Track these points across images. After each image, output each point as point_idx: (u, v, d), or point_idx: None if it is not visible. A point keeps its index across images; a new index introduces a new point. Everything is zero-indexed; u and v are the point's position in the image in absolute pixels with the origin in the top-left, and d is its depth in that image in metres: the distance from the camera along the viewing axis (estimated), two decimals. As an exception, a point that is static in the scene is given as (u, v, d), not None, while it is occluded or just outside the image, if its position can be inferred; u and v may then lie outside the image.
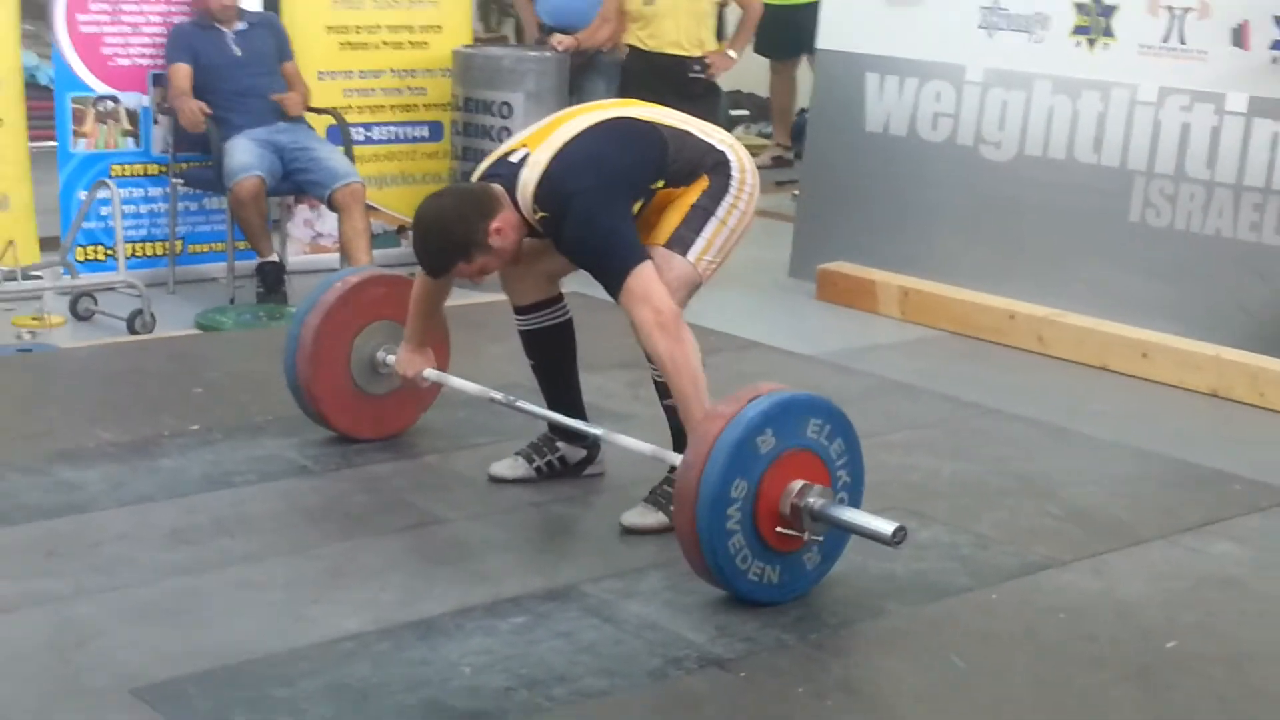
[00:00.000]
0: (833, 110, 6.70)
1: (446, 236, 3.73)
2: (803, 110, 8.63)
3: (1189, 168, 5.58)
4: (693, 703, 3.05)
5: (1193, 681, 3.22)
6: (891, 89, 6.45)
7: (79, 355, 5.38)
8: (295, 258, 6.62)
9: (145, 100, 6.31)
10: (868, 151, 6.54)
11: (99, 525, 3.76)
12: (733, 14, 7.31)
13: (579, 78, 6.88)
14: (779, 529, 3.35)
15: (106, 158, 6.28)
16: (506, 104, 6.64)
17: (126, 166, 6.33)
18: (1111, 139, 5.79)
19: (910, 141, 6.40)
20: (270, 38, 6.35)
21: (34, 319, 5.65)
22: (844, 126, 6.60)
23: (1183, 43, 5.58)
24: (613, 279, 3.61)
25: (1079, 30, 5.88)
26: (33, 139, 6.21)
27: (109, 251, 6.17)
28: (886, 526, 3.33)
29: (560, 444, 4.16)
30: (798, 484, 3.36)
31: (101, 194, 6.02)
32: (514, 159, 3.78)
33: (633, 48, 6.73)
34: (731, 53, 6.81)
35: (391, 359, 4.26)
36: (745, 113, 10.30)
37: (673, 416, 3.89)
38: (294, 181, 6.20)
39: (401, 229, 6.92)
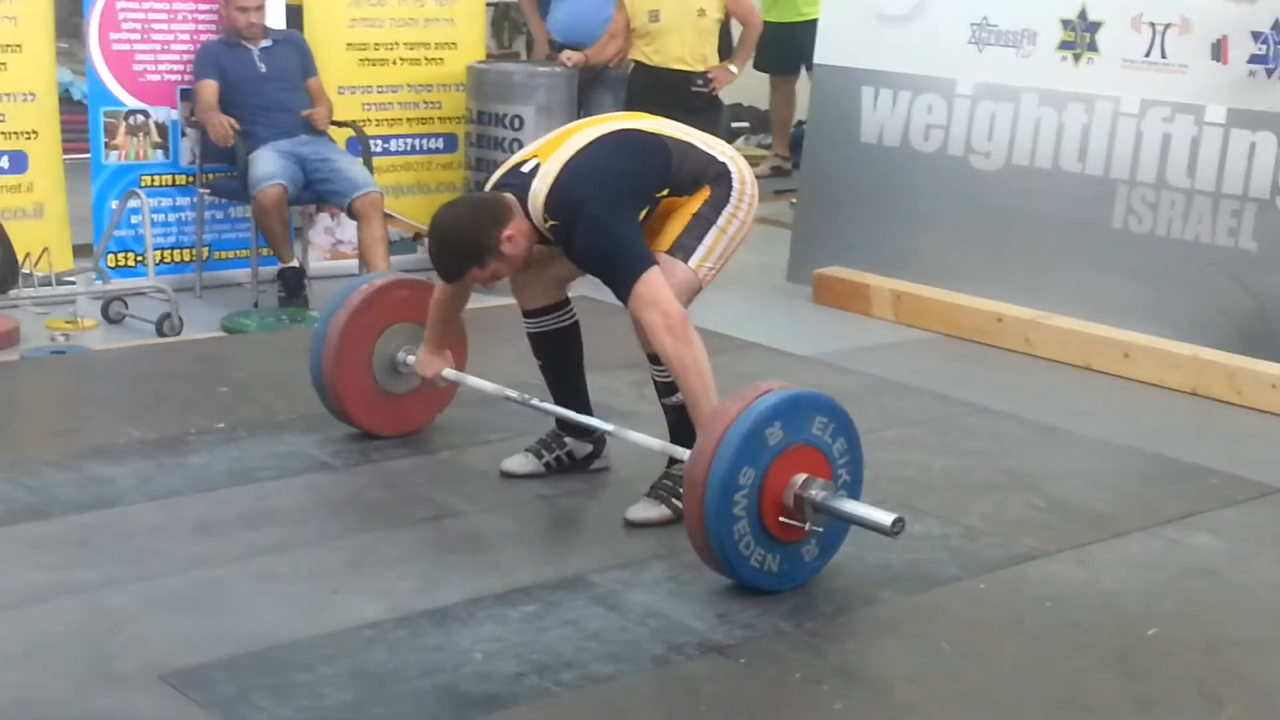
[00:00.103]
0: (829, 122, 6.70)
1: (461, 244, 3.73)
2: (801, 122, 8.63)
3: (1169, 176, 5.57)
4: (694, 687, 3.06)
5: (1172, 666, 3.22)
6: (885, 102, 6.45)
7: (110, 357, 5.39)
8: (316, 263, 6.63)
9: (174, 114, 6.32)
10: (863, 161, 6.53)
11: (129, 519, 3.77)
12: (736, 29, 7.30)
13: (587, 92, 6.89)
14: (782, 519, 3.36)
15: (137, 169, 6.29)
16: (518, 117, 6.64)
17: (156, 177, 6.34)
18: (1095, 149, 5.78)
19: (903, 152, 6.40)
20: (294, 54, 6.36)
21: (68, 322, 5.66)
22: (840, 138, 6.60)
23: (1164, 57, 5.57)
24: (622, 284, 3.62)
25: (1065, 46, 5.88)
26: (67, 151, 6.22)
27: (139, 258, 6.18)
28: (886, 517, 3.34)
29: (568, 440, 4.17)
30: (801, 477, 3.38)
31: (132, 203, 6.03)
32: (525, 169, 3.78)
33: (639, 63, 6.73)
34: (733, 68, 6.81)
35: (412, 360, 4.27)
36: (745, 124, 10.29)
37: (672, 415, 3.90)
38: (315, 191, 6.20)
39: (418, 236, 6.92)
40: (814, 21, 6.92)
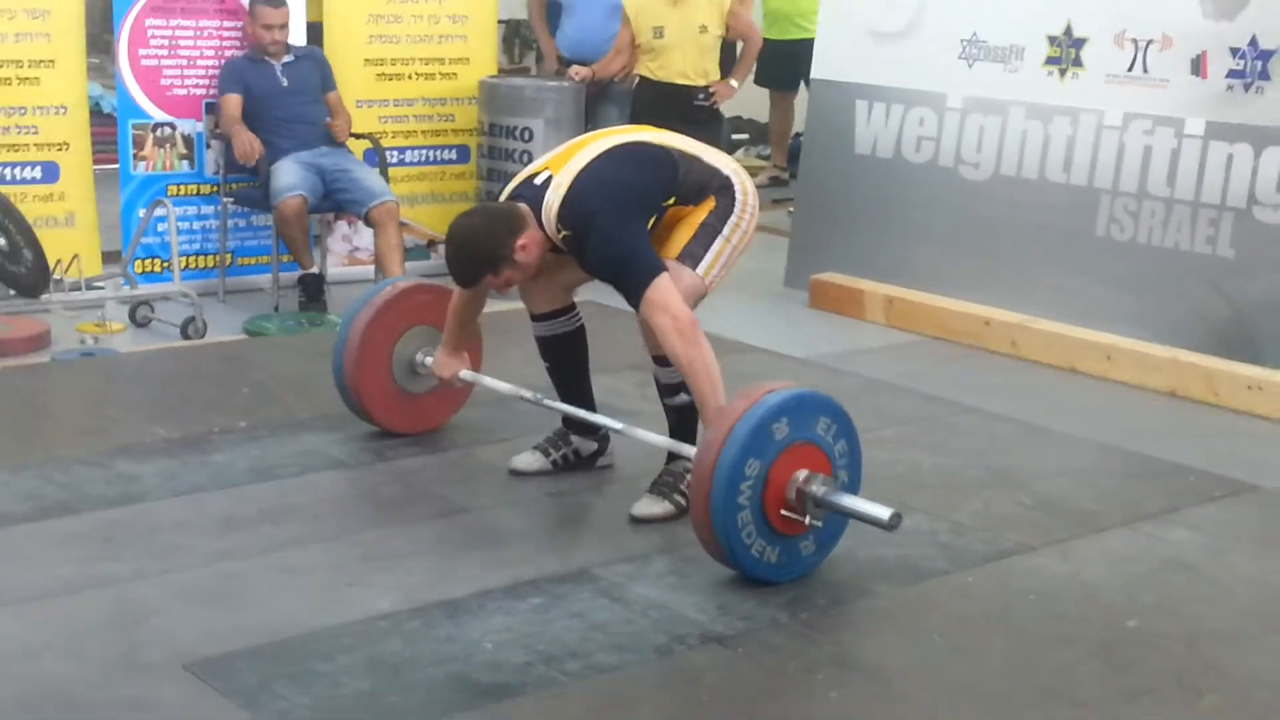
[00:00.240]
0: (825, 134, 6.69)
1: (477, 252, 3.73)
2: (798, 134, 8.61)
3: (1151, 187, 5.56)
4: (695, 676, 3.05)
5: (1153, 657, 3.21)
6: (879, 115, 6.43)
7: (137, 359, 5.39)
8: (334, 269, 6.62)
9: (199, 127, 6.32)
10: (857, 172, 6.52)
11: (155, 514, 3.77)
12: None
13: (594, 105, 6.88)
14: (783, 512, 3.36)
15: (164, 179, 6.29)
16: (528, 129, 6.64)
17: (182, 187, 6.34)
18: (1080, 160, 5.77)
19: (896, 163, 6.39)
20: (314, 69, 6.35)
21: (96, 326, 5.66)
22: (835, 149, 6.59)
23: (1146, 72, 5.56)
24: (634, 290, 3.61)
25: (1050, 61, 5.87)
26: (97, 162, 6.23)
27: (165, 264, 6.18)
28: (884, 512, 3.34)
29: (574, 438, 4.16)
30: (804, 472, 3.38)
31: (159, 212, 6.03)
32: (538, 181, 3.77)
33: (643, 78, 6.72)
34: (733, 82, 6.80)
35: (430, 361, 4.27)
36: (745, 136, 10.28)
37: (673, 415, 3.90)
38: (334, 200, 6.20)
39: (431, 243, 6.92)
40: (812, 39, 6.91)
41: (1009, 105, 5.99)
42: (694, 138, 4.02)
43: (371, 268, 6.39)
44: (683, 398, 3.79)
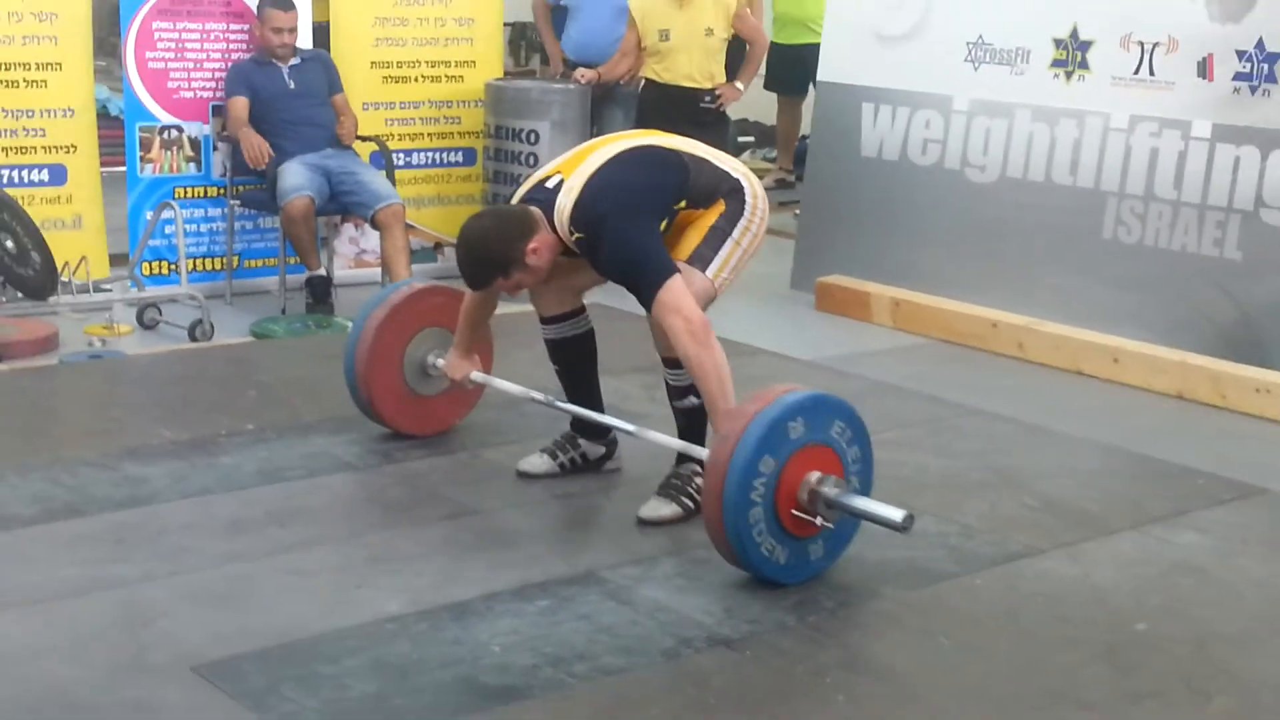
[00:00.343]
0: (832, 137, 6.68)
1: (488, 254, 3.72)
2: (804, 137, 8.60)
3: (1157, 189, 5.55)
4: (702, 679, 3.04)
5: (1161, 661, 3.20)
6: (885, 118, 6.43)
7: (145, 361, 5.38)
8: (341, 272, 6.62)
9: (206, 129, 6.32)
10: (863, 175, 6.51)
11: (163, 516, 3.76)
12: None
13: (599, 107, 6.88)
14: (794, 511, 3.35)
15: (170, 181, 6.29)
16: (534, 132, 6.63)
17: (188, 189, 6.34)
18: (1086, 163, 5.76)
19: (902, 165, 6.38)
20: (321, 72, 6.35)
21: (104, 328, 5.66)
22: (842, 152, 6.58)
23: (1152, 75, 5.55)
24: (646, 291, 3.61)
25: (1056, 64, 5.86)
26: (104, 164, 6.23)
27: (172, 266, 6.18)
28: (897, 513, 3.33)
29: (582, 441, 4.15)
30: (816, 474, 3.37)
31: (166, 214, 6.04)
32: (549, 185, 3.77)
33: (649, 80, 6.72)
34: (739, 85, 6.80)
35: (441, 363, 4.26)
36: (751, 139, 10.27)
37: (682, 418, 3.89)
38: (340, 202, 6.20)
39: (438, 246, 6.92)
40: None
41: (1015, 108, 5.98)
42: (700, 140, 4.02)
43: (378, 270, 6.38)
44: (692, 400, 3.78)
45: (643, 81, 6.77)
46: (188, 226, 6.14)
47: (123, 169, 6.27)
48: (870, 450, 3.52)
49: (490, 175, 6.83)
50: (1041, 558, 3.71)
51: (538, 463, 4.14)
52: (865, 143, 6.49)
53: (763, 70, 8.22)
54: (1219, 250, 5.37)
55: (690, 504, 3.80)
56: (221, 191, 6.38)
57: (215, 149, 6.34)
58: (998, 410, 4.96)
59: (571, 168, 3.77)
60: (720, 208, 3.81)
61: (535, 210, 3.73)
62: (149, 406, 4.82)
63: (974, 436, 4.69)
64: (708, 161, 3.86)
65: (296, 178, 6.00)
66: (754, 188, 3.87)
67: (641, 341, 3.90)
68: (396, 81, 6.82)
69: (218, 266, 6.44)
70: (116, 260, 6.17)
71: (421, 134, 6.94)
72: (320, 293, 6.10)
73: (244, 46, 6.34)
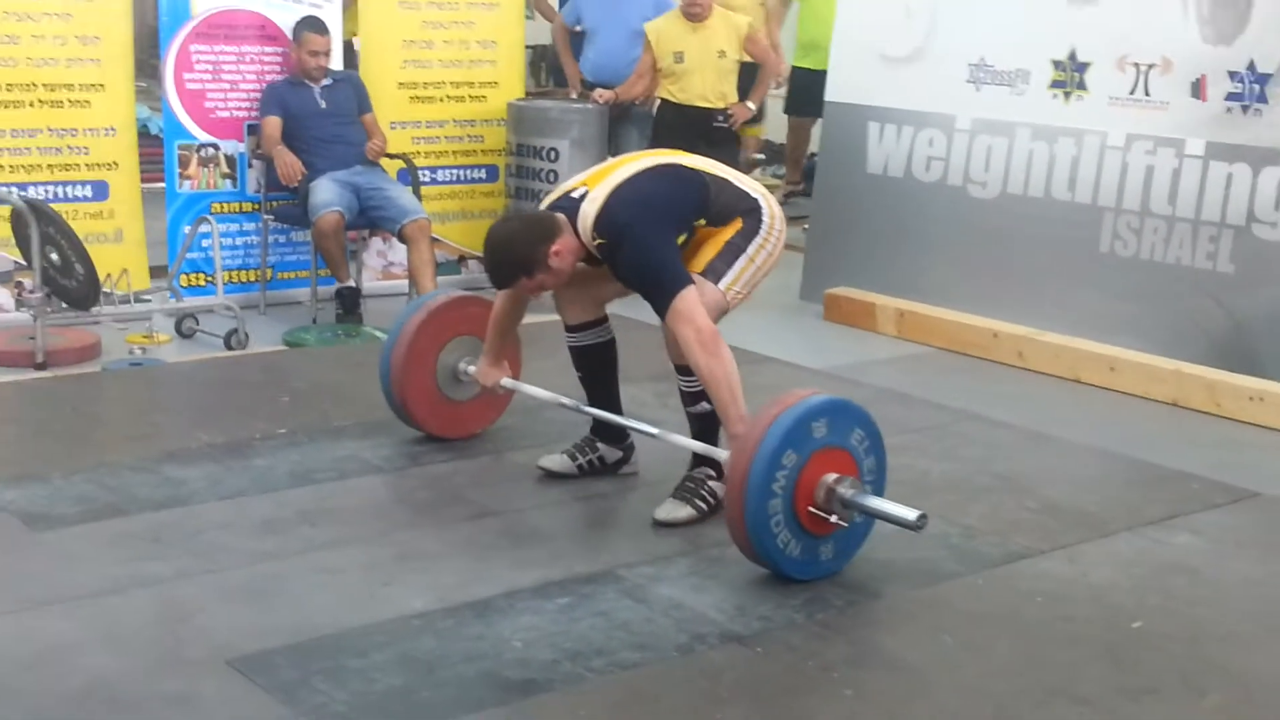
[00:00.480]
0: (839, 154, 6.67)
1: (512, 255, 3.75)
2: (813, 154, 8.59)
3: (1153, 205, 5.53)
4: (714, 674, 3.04)
5: (1157, 658, 3.19)
6: (890, 136, 6.42)
7: (183, 368, 5.40)
8: (369, 283, 6.63)
9: (242, 147, 6.34)
10: (869, 190, 6.51)
11: (200, 516, 3.78)
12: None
13: (616, 126, 6.88)
14: (811, 509, 3.35)
15: (207, 197, 6.30)
16: (554, 149, 6.64)
17: (225, 205, 6.36)
18: (1084, 179, 5.74)
19: (907, 182, 6.37)
20: (351, 92, 6.37)
21: (144, 337, 5.68)
22: (849, 169, 6.58)
23: (1147, 95, 5.54)
24: (661, 300, 3.62)
25: (1056, 84, 5.85)
26: (144, 181, 6.24)
27: (209, 278, 6.19)
28: (910, 513, 3.34)
29: (600, 445, 4.16)
30: (833, 475, 3.38)
31: (203, 229, 6.05)
32: (575, 195, 3.81)
33: (664, 100, 6.72)
34: (750, 104, 6.80)
35: (472, 370, 4.27)
36: (762, 157, 10.25)
37: (695, 423, 3.90)
38: (369, 217, 6.21)
39: (462, 258, 6.93)
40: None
41: (1015, 126, 5.97)
42: (711, 156, 4.03)
43: (405, 282, 6.39)
44: (704, 406, 3.79)
45: (658, 101, 6.77)
46: (224, 240, 6.15)
47: (162, 185, 6.29)
48: (884, 461, 3.52)
49: (512, 191, 6.83)
50: (1042, 558, 3.70)
51: (558, 461, 4.15)
52: (871, 160, 6.48)
53: (782, 93, 8.21)
54: (1212, 263, 5.36)
55: (704, 506, 3.80)
56: (256, 207, 6.40)
57: (250, 166, 6.36)
58: (999, 417, 4.95)
59: (597, 180, 3.81)
60: (738, 225, 3.83)
61: (560, 216, 3.76)
62: (187, 411, 4.84)
63: (976, 442, 4.68)
64: (728, 181, 3.89)
65: (327, 194, 6.02)
66: (772, 208, 3.90)
67: (656, 351, 3.91)
68: (423, 101, 6.83)
69: (252, 278, 6.46)
70: (156, 272, 6.19)
71: (446, 151, 6.95)
72: (350, 303, 6.11)
73: (278, 68, 6.36)
